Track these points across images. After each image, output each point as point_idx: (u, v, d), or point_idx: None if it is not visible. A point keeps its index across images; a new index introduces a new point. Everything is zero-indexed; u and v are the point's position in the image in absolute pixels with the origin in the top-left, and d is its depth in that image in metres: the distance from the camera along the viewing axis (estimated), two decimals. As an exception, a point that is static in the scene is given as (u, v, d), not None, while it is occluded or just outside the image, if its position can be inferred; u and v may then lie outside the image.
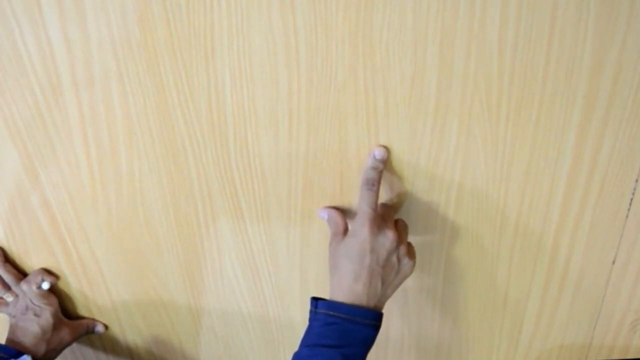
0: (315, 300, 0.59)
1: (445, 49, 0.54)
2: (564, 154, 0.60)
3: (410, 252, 0.61)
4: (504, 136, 0.59)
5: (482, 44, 0.54)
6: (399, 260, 0.59)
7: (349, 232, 0.59)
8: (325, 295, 0.60)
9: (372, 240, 0.57)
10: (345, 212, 0.65)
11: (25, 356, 0.68)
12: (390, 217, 0.62)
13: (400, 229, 0.61)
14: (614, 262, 0.68)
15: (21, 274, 0.77)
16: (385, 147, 0.60)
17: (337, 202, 0.66)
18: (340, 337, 0.55)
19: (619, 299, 0.71)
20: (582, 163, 0.61)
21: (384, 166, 0.61)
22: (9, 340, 0.74)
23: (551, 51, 0.54)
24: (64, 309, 0.81)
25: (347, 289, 0.56)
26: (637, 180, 0.62)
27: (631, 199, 0.63)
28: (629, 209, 0.64)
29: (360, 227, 0.57)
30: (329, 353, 0.55)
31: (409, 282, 0.72)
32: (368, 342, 0.57)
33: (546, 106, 0.57)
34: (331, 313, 0.56)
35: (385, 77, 0.56)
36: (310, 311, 0.59)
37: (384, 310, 0.59)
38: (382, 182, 0.61)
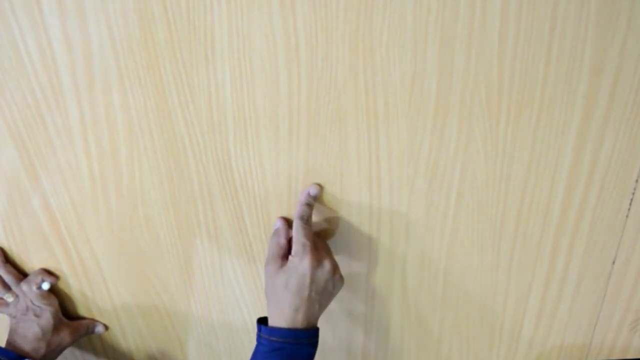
0: (258, 324, 0.62)
1: (445, 49, 0.54)
2: (564, 154, 0.60)
3: (339, 271, 0.64)
4: (504, 136, 0.59)
5: (482, 44, 0.54)
6: (333, 285, 0.62)
7: (289, 264, 0.61)
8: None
9: (312, 273, 0.60)
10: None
11: None
12: (323, 245, 0.66)
13: (331, 254, 0.65)
14: (614, 262, 0.68)
15: (21, 274, 0.77)
16: (320, 185, 0.64)
17: (337, 202, 0.66)
18: None
19: (619, 299, 0.71)
20: (582, 163, 0.61)
21: (315, 202, 0.65)
22: (9, 341, 0.74)
23: (551, 51, 0.54)
24: (64, 309, 0.81)
25: (288, 318, 0.60)
26: (637, 180, 0.62)
27: (631, 199, 0.63)
28: (629, 209, 0.64)
29: (300, 261, 0.60)
30: None
31: (409, 282, 0.72)
32: (311, 357, 0.61)
33: (546, 106, 0.57)
34: (275, 339, 0.59)
35: (385, 77, 0.56)
36: (257, 334, 0.62)
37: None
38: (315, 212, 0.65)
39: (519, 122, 0.58)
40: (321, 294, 0.61)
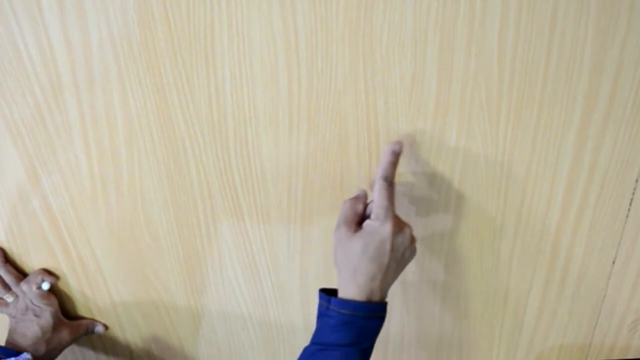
0: (326, 295, 0.57)
1: (445, 49, 0.54)
2: (564, 154, 0.60)
3: (415, 241, 0.60)
4: (504, 136, 0.59)
5: (482, 44, 0.54)
6: (410, 254, 0.59)
7: (366, 228, 0.56)
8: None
9: (392, 239, 0.56)
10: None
11: (25, 354, 0.68)
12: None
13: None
14: (614, 262, 0.68)
15: (21, 274, 0.77)
16: (401, 142, 0.59)
17: (337, 202, 0.66)
18: (357, 335, 0.55)
19: (619, 299, 0.71)
20: (582, 163, 0.61)
21: (399, 161, 0.59)
22: (8, 340, 0.74)
23: (551, 51, 0.54)
24: (64, 309, 0.81)
25: (363, 287, 0.55)
26: (637, 180, 0.62)
27: (631, 199, 0.63)
28: (629, 209, 0.64)
29: (382, 225, 0.56)
30: (346, 352, 0.54)
31: (409, 282, 0.72)
32: (379, 332, 0.57)
33: (546, 106, 0.57)
34: (347, 312, 0.55)
35: (385, 77, 0.56)
36: (322, 305, 0.58)
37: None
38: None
39: (519, 122, 0.58)
40: (398, 263, 0.57)
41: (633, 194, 0.63)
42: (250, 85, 0.58)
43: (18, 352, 0.70)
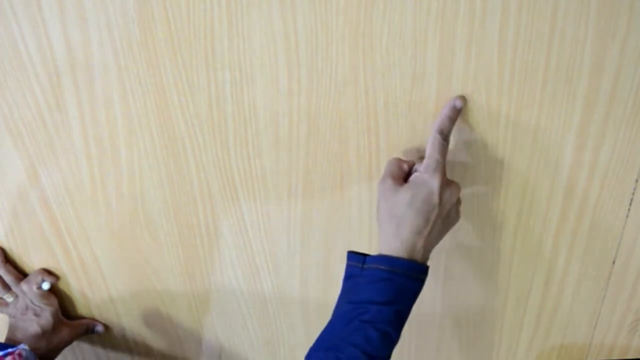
0: (359, 255, 0.55)
1: (445, 49, 0.54)
2: (564, 154, 0.60)
3: (461, 202, 0.58)
4: (504, 136, 0.59)
5: (482, 44, 0.54)
6: (455, 214, 0.57)
7: (414, 180, 0.54)
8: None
9: (441, 192, 0.53)
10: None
11: (22, 345, 0.67)
12: None
13: None
14: (614, 262, 0.68)
15: (21, 274, 0.77)
16: (465, 98, 0.56)
17: (337, 202, 0.66)
18: (394, 293, 0.52)
19: (619, 299, 0.71)
20: (582, 163, 0.61)
21: (458, 118, 0.57)
22: (8, 340, 0.74)
23: (551, 51, 0.54)
24: (64, 309, 0.81)
25: (406, 242, 0.53)
26: (637, 180, 0.62)
27: (631, 199, 0.63)
28: (629, 209, 0.64)
29: (431, 177, 0.53)
30: (381, 310, 0.52)
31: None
32: (416, 296, 0.54)
33: (546, 106, 0.57)
34: (385, 268, 0.52)
35: (385, 77, 0.56)
36: (352, 267, 0.55)
37: None
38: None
39: (519, 122, 0.58)
40: (444, 220, 0.55)
41: (633, 194, 0.63)
42: (250, 85, 0.58)
43: (13, 345, 0.70)
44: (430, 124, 0.59)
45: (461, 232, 0.67)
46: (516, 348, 0.77)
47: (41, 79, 0.61)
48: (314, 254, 0.71)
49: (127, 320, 0.83)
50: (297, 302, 0.76)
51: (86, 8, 0.55)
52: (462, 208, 0.65)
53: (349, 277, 0.56)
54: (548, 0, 0.51)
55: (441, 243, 0.68)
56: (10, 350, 0.65)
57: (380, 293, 0.52)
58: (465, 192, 0.64)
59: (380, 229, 0.55)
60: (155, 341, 0.85)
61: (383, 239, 0.55)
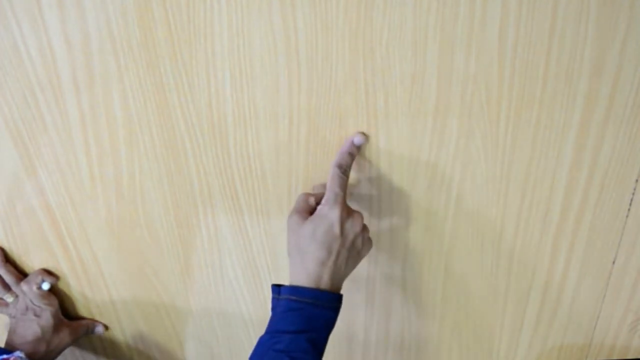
0: (276, 287, 0.57)
1: (445, 49, 0.54)
2: (564, 154, 0.60)
3: (368, 231, 0.60)
4: (504, 136, 0.59)
5: (482, 44, 0.54)
6: (362, 243, 0.58)
7: (316, 213, 0.57)
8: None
9: (341, 223, 0.56)
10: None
11: (17, 352, 0.67)
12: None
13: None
14: (614, 262, 0.68)
15: (21, 274, 0.77)
16: (365, 135, 0.59)
17: (337, 202, 0.66)
18: (305, 322, 0.54)
19: (619, 299, 0.71)
20: (582, 163, 0.61)
21: (358, 153, 0.61)
22: (8, 340, 0.74)
23: (551, 51, 0.54)
24: (64, 309, 0.81)
25: (312, 273, 0.55)
26: (637, 180, 0.62)
27: (631, 199, 0.63)
28: (629, 209, 0.64)
29: (330, 210, 0.56)
30: (294, 338, 0.53)
31: (409, 282, 0.72)
32: (330, 325, 0.56)
33: (546, 106, 0.57)
34: (295, 298, 0.55)
35: (385, 77, 0.56)
36: (273, 298, 0.58)
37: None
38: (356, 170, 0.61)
39: (519, 122, 0.58)
40: (349, 251, 0.57)
41: (633, 194, 0.63)
42: (250, 85, 0.58)
43: (11, 351, 0.70)
44: (431, 124, 0.59)
45: (461, 232, 0.67)
46: (516, 348, 0.77)
47: (41, 79, 0.61)
48: (314, 254, 0.71)
49: (127, 321, 0.83)
50: (297, 302, 0.76)
51: (86, 8, 0.55)
52: (462, 208, 0.65)
53: (272, 308, 0.58)
54: (548, 1, 0.51)
55: (440, 243, 0.68)
56: (5, 357, 0.65)
57: (292, 322, 0.54)
58: (465, 192, 0.64)
59: (290, 261, 0.58)
60: (155, 341, 0.85)
61: (291, 271, 0.57)
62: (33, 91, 0.62)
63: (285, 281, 0.74)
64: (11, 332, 0.75)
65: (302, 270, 0.56)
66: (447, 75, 0.56)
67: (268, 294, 0.76)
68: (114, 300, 0.80)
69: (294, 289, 0.55)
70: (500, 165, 0.61)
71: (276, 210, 0.68)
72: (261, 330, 0.80)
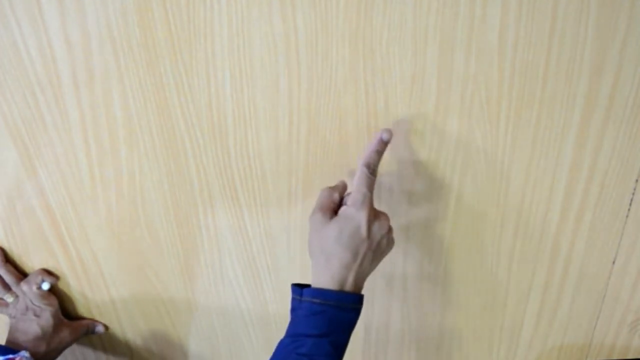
0: (298, 288, 0.56)
1: (445, 49, 0.54)
2: (564, 154, 0.60)
3: (392, 231, 0.59)
4: (504, 136, 0.59)
5: (482, 44, 0.54)
6: (387, 243, 0.57)
7: (342, 214, 0.55)
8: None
9: (368, 226, 0.54)
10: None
11: (23, 352, 0.67)
12: None
13: None
14: (614, 262, 0.68)
15: (21, 274, 0.77)
16: (390, 131, 0.58)
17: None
18: (328, 326, 0.53)
19: (619, 299, 0.71)
20: (582, 163, 0.61)
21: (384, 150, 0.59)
22: (8, 340, 0.74)
23: (551, 51, 0.54)
24: (64, 309, 0.81)
25: (337, 276, 0.54)
26: (637, 180, 0.62)
27: (631, 199, 0.63)
28: (629, 209, 0.64)
29: (358, 211, 0.54)
30: (317, 342, 0.53)
31: (410, 282, 0.72)
32: (352, 327, 0.56)
33: (546, 106, 0.57)
34: (318, 301, 0.53)
35: (385, 77, 0.56)
36: (294, 299, 0.57)
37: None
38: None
39: (519, 122, 0.58)
40: (374, 252, 0.55)
41: (633, 194, 0.63)
42: (250, 85, 0.58)
43: (16, 351, 0.70)
44: (431, 124, 0.59)
45: (461, 232, 0.67)
46: (516, 348, 0.77)
47: (41, 79, 0.61)
48: (314, 254, 0.71)
49: (127, 321, 0.83)
50: (297, 302, 0.76)
51: (86, 8, 0.55)
52: (462, 208, 0.65)
53: (292, 309, 0.57)
54: (548, 1, 0.51)
55: (441, 243, 0.68)
56: (10, 356, 0.66)
57: (315, 326, 0.53)
58: (465, 192, 0.64)
59: (312, 261, 0.56)
60: (155, 341, 0.85)
61: (314, 272, 0.56)
62: (33, 91, 0.62)
63: (285, 281, 0.74)
64: (11, 332, 0.75)
65: (326, 272, 0.54)
66: (447, 75, 0.56)
67: (268, 294, 0.76)
68: (114, 300, 0.80)
69: (318, 292, 0.54)
70: (500, 165, 0.61)
71: (276, 210, 0.68)
72: (261, 330, 0.80)
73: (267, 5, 0.53)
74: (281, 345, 0.55)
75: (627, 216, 0.64)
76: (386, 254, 0.58)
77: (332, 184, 0.64)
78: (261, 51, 0.56)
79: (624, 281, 0.70)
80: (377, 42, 0.54)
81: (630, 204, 0.63)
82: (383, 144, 0.57)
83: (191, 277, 0.76)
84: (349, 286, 0.54)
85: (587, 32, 0.52)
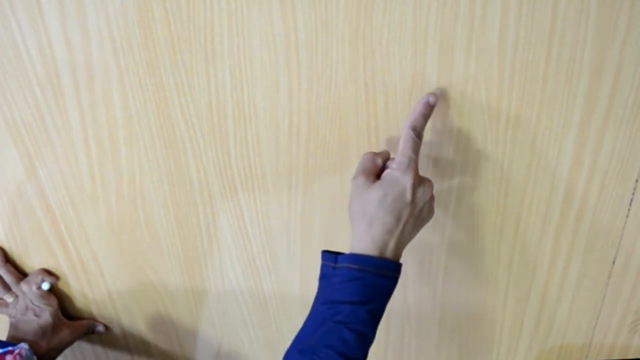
0: (332, 255, 0.54)
1: (445, 49, 0.54)
2: (564, 153, 0.60)
3: (434, 199, 0.57)
4: (504, 136, 0.59)
5: (482, 44, 0.54)
6: (428, 211, 0.55)
7: (386, 177, 0.53)
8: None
9: (414, 190, 0.52)
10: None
11: (22, 344, 0.67)
12: None
13: None
14: (614, 262, 0.68)
15: (21, 274, 0.77)
16: (437, 95, 0.56)
17: (338, 203, 0.66)
18: (366, 293, 0.51)
19: (619, 299, 0.71)
20: (582, 163, 0.61)
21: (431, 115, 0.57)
22: (8, 340, 0.74)
23: (551, 51, 0.54)
24: (64, 309, 0.81)
25: (378, 241, 0.52)
26: (637, 180, 0.62)
27: (631, 199, 0.63)
28: (629, 209, 0.64)
29: (403, 175, 0.52)
30: (354, 310, 0.51)
31: (410, 282, 0.72)
32: (390, 295, 0.53)
33: (546, 106, 0.57)
34: (356, 267, 0.51)
35: (385, 77, 0.56)
36: (325, 266, 0.54)
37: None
38: None
39: (519, 122, 0.58)
40: (416, 219, 0.54)
41: (633, 194, 0.63)
42: (250, 85, 0.58)
43: (13, 344, 0.70)
44: (430, 124, 0.59)
45: (461, 231, 0.67)
46: (516, 348, 0.77)
47: (41, 79, 0.61)
48: (314, 254, 0.71)
49: (127, 320, 0.83)
50: (297, 302, 0.76)
51: (86, 8, 0.55)
52: (462, 209, 0.65)
53: (322, 277, 0.55)
54: (548, 1, 0.51)
55: (441, 243, 0.68)
56: (10, 348, 0.65)
57: (353, 293, 0.51)
58: (465, 192, 0.64)
59: (352, 226, 0.54)
60: (155, 341, 0.85)
61: (354, 237, 0.54)
62: (33, 91, 0.62)
63: (285, 281, 0.74)
64: (11, 331, 0.75)
65: (367, 237, 0.52)
66: (447, 75, 0.56)
67: (268, 294, 0.76)
68: (113, 300, 0.80)
69: (357, 257, 0.52)
70: (501, 165, 0.61)
71: (276, 210, 0.68)
72: (261, 330, 0.80)
73: (267, 5, 0.53)
74: (316, 312, 0.53)
75: (627, 216, 0.64)
76: (426, 222, 0.56)
77: (332, 183, 0.64)
78: (261, 51, 0.56)
79: (624, 281, 0.70)
80: (377, 42, 0.54)
81: (630, 204, 0.63)
82: (430, 107, 0.55)
83: (191, 277, 0.76)
84: (389, 252, 0.52)
85: (587, 32, 0.52)
